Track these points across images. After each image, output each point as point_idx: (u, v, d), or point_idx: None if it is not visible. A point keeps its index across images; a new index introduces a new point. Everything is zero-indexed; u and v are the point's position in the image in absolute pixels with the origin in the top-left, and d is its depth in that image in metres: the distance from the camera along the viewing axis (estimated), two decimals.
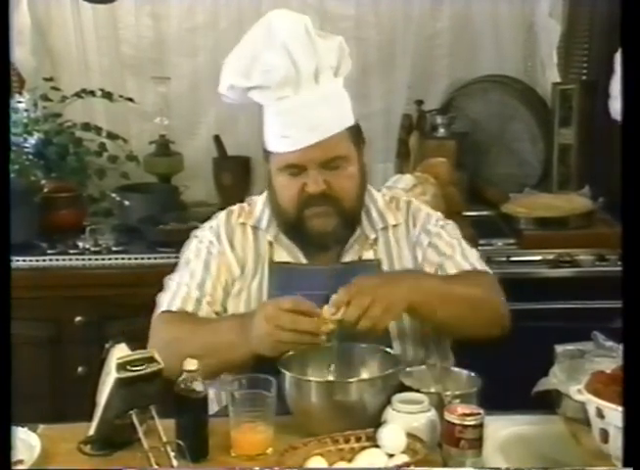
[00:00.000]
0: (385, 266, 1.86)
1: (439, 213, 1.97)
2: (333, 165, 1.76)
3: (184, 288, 1.83)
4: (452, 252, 1.87)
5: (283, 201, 1.81)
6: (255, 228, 1.90)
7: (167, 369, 1.57)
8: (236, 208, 1.96)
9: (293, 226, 1.83)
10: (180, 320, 1.78)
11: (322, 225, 1.80)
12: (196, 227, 1.98)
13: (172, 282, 1.87)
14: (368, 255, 1.87)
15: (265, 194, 1.93)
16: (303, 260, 1.86)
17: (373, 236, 1.88)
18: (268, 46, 1.71)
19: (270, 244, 1.88)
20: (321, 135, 1.73)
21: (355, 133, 1.82)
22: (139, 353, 1.48)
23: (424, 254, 1.88)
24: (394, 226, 1.91)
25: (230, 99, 1.81)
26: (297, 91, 1.73)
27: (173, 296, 1.83)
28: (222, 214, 1.95)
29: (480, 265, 1.88)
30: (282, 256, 1.87)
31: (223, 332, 1.71)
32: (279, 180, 1.81)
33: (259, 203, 1.93)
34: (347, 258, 1.86)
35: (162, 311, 1.82)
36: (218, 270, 1.85)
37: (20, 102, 2.93)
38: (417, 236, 1.90)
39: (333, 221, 1.80)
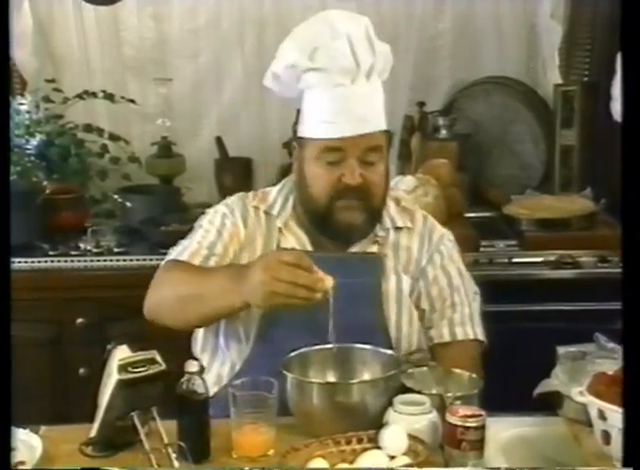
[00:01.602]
0: (389, 264, 1.88)
1: (451, 236, 1.99)
2: (369, 161, 1.80)
3: (195, 244, 1.88)
4: (461, 305, 1.88)
5: (316, 190, 1.83)
6: (267, 214, 1.93)
7: (165, 310, 1.76)
8: (250, 193, 2.00)
9: (321, 217, 1.85)
10: (182, 267, 1.83)
11: (351, 218, 1.83)
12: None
13: (184, 241, 1.92)
14: (372, 248, 1.90)
15: (281, 184, 1.98)
16: (309, 249, 1.87)
17: (381, 234, 1.91)
18: (333, 37, 1.78)
19: (280, 230, 1.90)
20: (367, 128, 1.79)
21: (388, 137, 1.87)
22: (141, 355, 1.49)
23: (435, 279, 1.90)
24: (407, 232, 1.93)
25: (277, 82, 1.85)
26: (353, 82, 1.79)
27: (183, 249, 1.88)
28: (235, 196, 1.99)
29: (480, 332, 1.88)
30: (290, 242, 1.89)
31: (218, 278, 1.73)
32: (313, 169, 1.83)
33: (274, 191, 1.97)
34: (354, 249, 1.89)
35: (168, 260, 1.87)
36: (230, 239, 1.88)
37: (21, 103, 2.93)
38: (430, 254, 1.92)
39: (361, 216, 1.83)
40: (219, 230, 1.89)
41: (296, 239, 1.89)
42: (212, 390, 1.80)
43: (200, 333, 1.92)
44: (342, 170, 1.79)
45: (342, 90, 1.78)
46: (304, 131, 1.85)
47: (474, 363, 1.81)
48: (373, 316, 1.82)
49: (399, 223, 1.93)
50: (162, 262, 1.88)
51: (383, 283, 1.86)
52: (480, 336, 1.88)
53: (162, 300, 1.79)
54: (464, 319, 1.87)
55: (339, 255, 1.86)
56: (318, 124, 1.81)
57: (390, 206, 1.95)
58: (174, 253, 1.89)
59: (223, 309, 1.73)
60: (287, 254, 1.66)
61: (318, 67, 1.77)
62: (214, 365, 1.88)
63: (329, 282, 1.60)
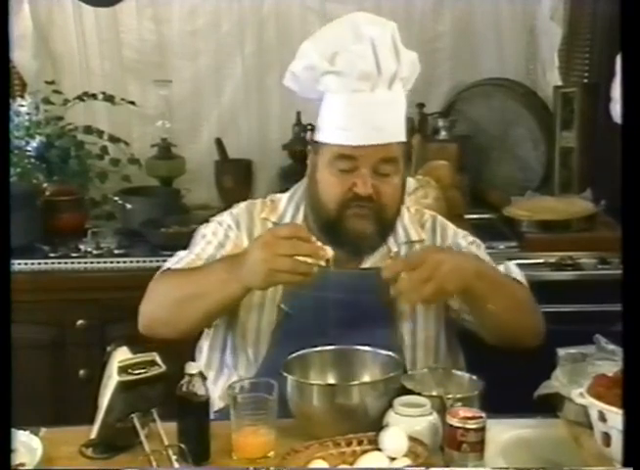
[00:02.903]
0: None
1: (465, 231, 1.96)
2: (383, 172, 1.75)
3: (192, 256, 1.82)
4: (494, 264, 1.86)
5: (326, 197, 1.78)
6: (277, 225, 1.87)
7: (162, 320, 1.71)
8: (258, 202, 1.94)
9: (330, 225, 1.79)
10: (173, 273, 1.79)
11: (361, 227, 1.77)
12: (209, 221, 1.96)
13: (182, 251, 1.87)
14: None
15: (291, 191, 1.92)
16: (322, 263, 1.83)
17: (395, 249, 1.87)
18: (355, 41, 1.72)
19: None
20: (384, 138, 1.74)
21: (406, 150, 1.82)
22: (141, 357, 1.49)
23: None
24: (419, 242, 1.89)
25: (296, 82, 1.80)
26: (372, 89, 1.73)
27: (179, 260, 1.83)
28: (243, 205, 1.93)
29: (524, 280, 1.86)
30: None
31: (213, 271, 1.69)
32: (326, 175, 1.78)
33: (284, 200, 1.91)
34: (366, 265, 1.85)
35: (162, 270, 1.82)
36: (232, 252, 1.82)
37: (21, 105, 2.93)
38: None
39: (371, 226, 1.78)
40: (221, 242, 1.84)
41: None
42: (219, 405, 1.80)
43: (204, 350, 1.88)
44: (353, 179, 1.74)
45: (360, 96, 1.73)
46: (320, 136, 1.80)
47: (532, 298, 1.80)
48: (386, 334, 1.78)
49: (414, 237, 1.88)
50: (156, 274, 1.82)
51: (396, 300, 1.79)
52: (522, 279, 1.85)
53: (158, 309, 1.74)
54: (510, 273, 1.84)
55: (352, 271, 1.81)
56: (333, 130, 1.76)
57: (405, 216, 1.90)
58: (169, 263, 1.84)
59: (225, 302, 1.69)
60: (282, 228, 1.64)
61: (337, 70, 1.72)
62: (220, 382, 1.85)
63: (330, 251, 1.59)
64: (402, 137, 1.79)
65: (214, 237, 1.86)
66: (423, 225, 1.92)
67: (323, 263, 1.57)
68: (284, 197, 1.92)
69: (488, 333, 1.79)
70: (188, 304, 1.69)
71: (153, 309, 1.75)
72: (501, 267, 1.86)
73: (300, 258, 1.55)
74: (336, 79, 1.73)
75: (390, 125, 1.75)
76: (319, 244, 1.59)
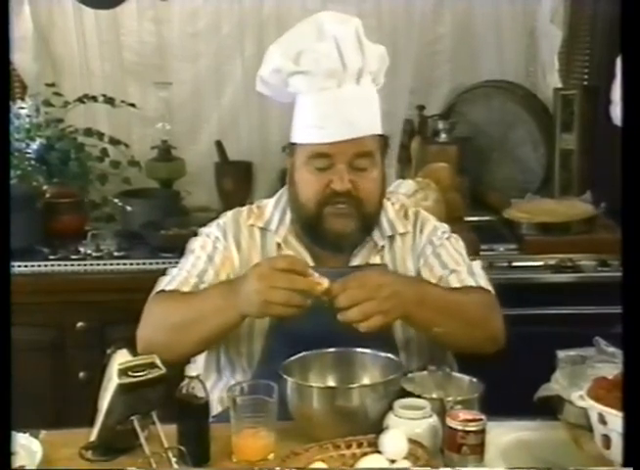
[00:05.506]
0: None
1: (446, 226, 1.96)
2: (360, 167, 1.76)
3: (184, 273, 1.82)
4: (457, 266, 1.85)
5: (304, 196, 1.80)
6: (264, 230, 1.89)
7: (160, 344, 1.66)
8: (244, 209, 1.95)
9: (310, 225, 1.81)
10: (170, 296, 1.78)
11: (341, 226, 1.79)
12: (197, 233, 1.97)
13: (174, 269, 1.87)
14: (375, 259, 1.86)
15: (277, 196, 1.94)
16: (311, 264, 1.82)
17: (381, 243, 1.88)
18: (319, 39, 1.74)
19: (278, 246, 1.86)
20: (356, 132, 1.75)
21: (382, 143, 1.83)
22: (140, 359, 1.48)
23: (427, 265, 1.86)
24: (402, 235, 1.90)
25: (266, 87, 1.82)
26: (339, 85, 1.74)
27: (171, 279, 1.82)
28: (229, 213, 1.94)
29: (485, 283, 1.84)
30: None
31: (210, 298, 1.70)
32: (303, 175, 1.79)
33: (270, 205, 1.92)
34: (355, 262, 1.86)
35: (157, 292, 1.81)
36: (222, 264, 1.83)
37: (22, 107, 2.93)
38: (422, 247, 1.89)
39: (352, 224, 1.79)
40: (210, 256, 1.84)
41: (295, 254, 1.84)
42: (217, 409, 1.80)
43: (200, 365, 1.85)
44: (331, 176, 1.76)
45: (328, 93, 1.74)
46: (294, 137, 1.82)
47: (490, 306, 1.78)
48: (380, 333, 1.74)
49: (400, 229, 1.89)
50: (151, 295, 1.80)
51: None
52: (485, 286, 1.82)
53: (155, 333, 1.73)
54: (461, 277, 1.82)
55: (341, 269, 1.80)
56: (306, 129, 1.78)
57: (389, 210, 1.91)
58: (162, 283, 1.82)
59: (222, 328, 1.69)
60: (280, 260, 1.64)
61: (303, 70, 1.74)
62: (217, 389, 1.86)
63: (326, 283, 1.59)
64: (376, 130, 1.80)
65: (203, 251, 1.86)
66: (407, 218, 1.93)
67: (309, 302, 1.57)
68: (270, 202, 1.94)
69: (442, 346, 1.82)
70: (186, 329, 1.69)
71: (150, 334, 1.74)
72: (463, 269, 1.84)
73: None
74: (303, 79, 1.75)
75: (362, 119, 1.76)
76: (316, 276, 1.59)
